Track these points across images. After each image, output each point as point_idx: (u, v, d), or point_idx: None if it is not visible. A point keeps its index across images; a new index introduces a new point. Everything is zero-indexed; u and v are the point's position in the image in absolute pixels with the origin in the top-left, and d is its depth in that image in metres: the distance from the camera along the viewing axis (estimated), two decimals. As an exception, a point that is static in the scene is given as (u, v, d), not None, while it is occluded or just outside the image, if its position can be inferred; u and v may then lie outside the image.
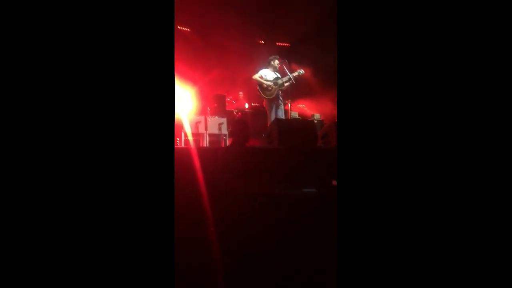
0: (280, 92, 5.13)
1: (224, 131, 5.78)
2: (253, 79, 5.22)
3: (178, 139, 5.49)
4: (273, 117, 5.04)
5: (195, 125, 5.53)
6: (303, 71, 5.16)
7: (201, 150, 3.91)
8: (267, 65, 5.31)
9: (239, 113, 5.97)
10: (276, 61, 5.17)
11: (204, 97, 7.06)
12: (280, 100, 5.18)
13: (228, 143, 5.76)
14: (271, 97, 5.08)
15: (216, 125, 5.84)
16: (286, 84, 5.15)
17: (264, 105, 5.21)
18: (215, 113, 6.59)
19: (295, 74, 5.09)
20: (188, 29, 7.30)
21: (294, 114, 6.87)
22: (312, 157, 3.56)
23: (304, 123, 5.35)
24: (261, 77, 5.17)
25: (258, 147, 5.19)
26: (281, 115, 5.17)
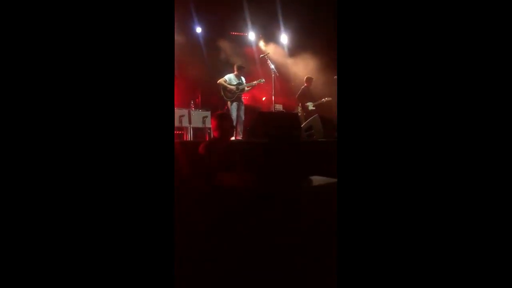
0: (241, 94, 5.90)
1: (208, 124, 5.76)
2: (218, 83, 5.80)
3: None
4: (234, 116, 5.68)
5: (179, 118, 5.49)
6: (263, 80, 5.94)
7: (185, 144, 3.89)
8: (233, 70, 5.92)
9: (225, 107, 6.04)
10: (242, 70, 5.87)
11: (188, 90, 7.01)
12: (241, 102, 5.89)
13: (212, 137, 5.74)
14: (232, 99, 5.75)
15: (200, 118, 5.82)
16: (247, 89, 5.93)
17: (227, 106, 5.83)
18: (199, 106, 6.58)
19: (255, 82, 5.88)
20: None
21: (279, 107, 6.91)
22: (296, 150, 3.59)
23: (288, 115, 5.39)
24: (225, 81, 5.75)
25: (242, 140, 5.21)
26: (242, 114, 5.86)
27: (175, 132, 5.55)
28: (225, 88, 5.71)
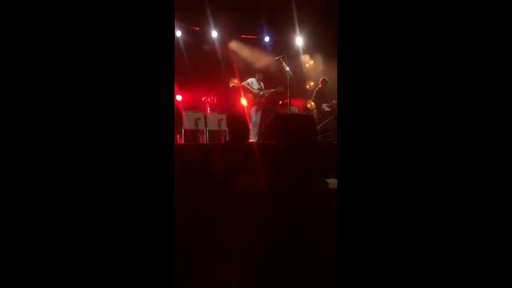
0: (260, 100, 6.23)
1: (224, 127, 5.80)
2: (242, 85, 6.16)
3: (178, 135, 5.50)
4: (254, 119, 5.96)
5: (195, 121, 5.54)
6: (282, 88, 6.13)
7: (201, 146, 3.91)
8: (254, 76, 6.25)
9: (244, 110, 6.17)
10: (260, 75, 6.19)
11: (204, 93, 7.07)
12: (260, 106, 6.15)
13: (227, 139, 5.77)
14: (254, 102, 6.07)
15: (216, 121, 5.86)
16: (266, 95, 6.18)
17: (248, 109, 6.09)
18: (215, 109, 6.66)
19: (273, 90, 6.10)
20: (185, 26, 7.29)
21: (294, 109, 6.89)
22: (311, 152, 3.57)
23: (303, 118, 5.36)
24: (248, 84, 6.07)
25: (258, 142, 5.21)
26: (259, 118, 6.13)
27: (195, 134, 5.62)
28: (248, 90, 6.00)
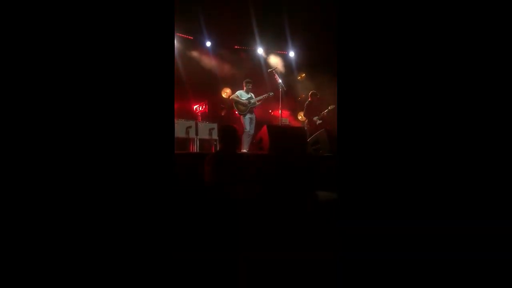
0: (253, 108, 6.32)
1: (215, 136, 5.81)
2: (231, 98, 6.29)
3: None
4: (248, 128, 6.10)
5: (186, 129, 5.53)
6: (272, 93, 6.25)
7: (191, 155, 3.90)
8: (242, 87, 6.33)
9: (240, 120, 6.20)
10: (250, 85, 6.25)
11: (195, 102, 7.08)
12: (253, 115, 6.29)
13: (218, 149, 5.77)
14: (245, 112, 6.16)
15: (207, 130, 5.86)
16: (257, 103, 6.29)
17: (241, 120, 6.19)
18: (206, 118, 6.67)
19: (265, 95, 6.24)
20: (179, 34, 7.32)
21: (285, 121, 6.95)
22: (302, 164, 3.59)
23: (295, 129, 5.40)
24: (237, 96, 6.18)
25: (249, 153, 5.21)
26: (253, 128, 6.21)
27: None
28: (237, 102, 6.08)
